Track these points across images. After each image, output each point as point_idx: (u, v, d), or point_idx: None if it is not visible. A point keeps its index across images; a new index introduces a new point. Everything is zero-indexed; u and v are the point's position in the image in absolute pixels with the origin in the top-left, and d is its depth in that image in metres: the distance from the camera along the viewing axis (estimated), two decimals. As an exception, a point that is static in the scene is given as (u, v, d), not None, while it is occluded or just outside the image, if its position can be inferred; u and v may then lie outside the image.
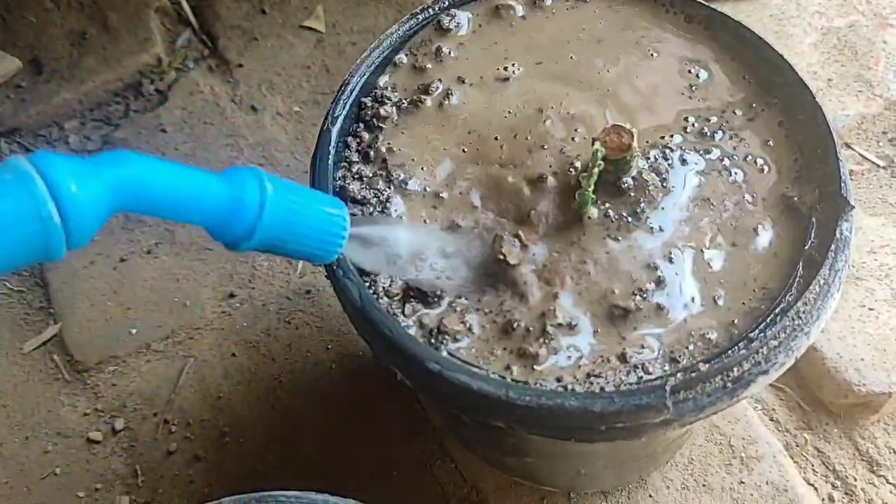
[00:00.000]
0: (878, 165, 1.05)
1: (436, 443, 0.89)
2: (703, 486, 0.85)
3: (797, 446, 0.88)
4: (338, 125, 0.65)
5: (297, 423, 0.91)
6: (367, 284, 0.59)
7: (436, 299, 0.58)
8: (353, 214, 0.60)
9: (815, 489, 0.86)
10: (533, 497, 0.85)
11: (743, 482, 0.85)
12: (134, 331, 0.98)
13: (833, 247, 0.56)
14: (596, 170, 0.57)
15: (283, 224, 0.50)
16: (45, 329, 0.99)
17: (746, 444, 0.87)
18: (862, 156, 1.06)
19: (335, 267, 0.59)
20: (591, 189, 0.58)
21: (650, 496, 0.84)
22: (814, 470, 0.87)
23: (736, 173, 0.62)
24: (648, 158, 0.62)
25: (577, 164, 0.62)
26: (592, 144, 0.57)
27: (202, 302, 1.00)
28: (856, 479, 0.86)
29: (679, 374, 0.53)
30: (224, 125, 1.13)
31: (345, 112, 0.66)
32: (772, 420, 0.90)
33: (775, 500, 0.84)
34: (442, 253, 0.59)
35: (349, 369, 0.95)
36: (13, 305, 1.01)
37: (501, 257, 0.58)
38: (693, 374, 0.53)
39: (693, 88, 0.67)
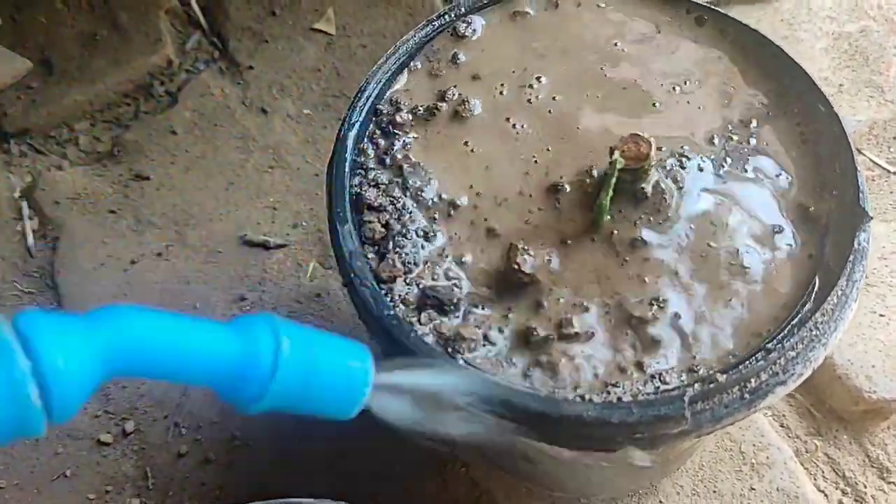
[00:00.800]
0: (889, 171, 1.05)
1: (446, 447, 0.89)
2: (714, 492, 0.85)
3: (807, 453, 0.88)
4: (354, 131, 0.65)
5: (308, 427, 0.91)
6: (384, 292, 0.59)
7: (452, 308, 0.58)
8: (377, 361, 0.50)
9: (826, 496, 0.86)
10: (543, 502, 0.85)
11: (753, 488, 0.85)
12: (144, 333, 0.98)
13: (851, 257, 0.56)
14: (613, 179, 0.57)
15: (298, 385, 0.45)
16: (55, 331, 0.99)
17: (757, 451, 0.87)
18: (873, 161, 1.06)
19: (351, 274, 0.59)
20: (608, 199, 0.58)
21: (660, 502, 0.84)
22: (824, 476, 0.87)
23: (752, 182, 0.62)
24: (665, 167, 0.62)
25: (595, 173, 0.62)
26: (610, 154, 0.57)
27: (213, 305, 1.00)
28: (866, 486, 0.86)
29: (697, 385, 0.53)
30: (234, 127, 1.13)
31: (361, 118, 0.66)
32: (782, 426, 0.90)
33: (786, 507, 0.84)
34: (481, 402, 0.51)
35: (359, 373, 0.95)
36: (24, 307, 1.01)
37: (516, 267, 0.58)
38: (711, 385, 0.53)
39: (710, 96, 0.67)
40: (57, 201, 1.08)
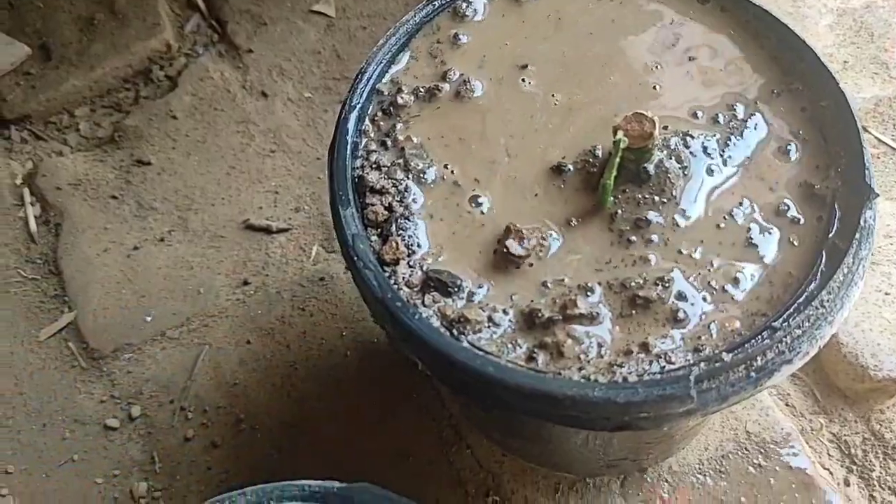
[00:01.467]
0: (894, 148, 1.04)
1: (451, 428, 0.89)
2: (719, 471, 0.85)
3: (813, 431, 0.88)
4: (355, 113, 0.65)
5: (313, 410, 0.92)
6: (388, 275, 0.58)
7: (456, 290, 0.58)
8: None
9: (831, 473, 0.86)
10: (549, 482, 0.85)
11: (759, 466, 0.85)
12: (149, 318, 0.98)
13: (857, 235, 0.56)
14: (617, 159, 0.56)
15: None
16: (60, 317, 0.99)
17: (762, 429, 0.87)
18: (878, 139, 1.05)
19: (354, 257, 0.59)
20: (612, 179, 0.57)
21: (666, 481, 0.85)
22: (829, 454, 0.87)
23: (757, 161, 0.62)
24: (669, 146, 0.61)
25: (598, 153, 0.61)
26: (614, 133, 0.56)
27: (216, 289, 1.00)
28: (872, 464, 0.86)
29: (703, 364, 0.53)
30: (234, 111, 1.13)
31: (362, 100, 0.66)
32: (787, 405, 0.90)
33: (791, 485, 0.84)
34: None
35: (364, 356, 0.95)
36: (28, 294, 1.01)
37: (506, 249, 0.58)
38: (717, 364, 0.52)
39: (714, 74, 0.66)
40: (58, 187, 1.08)
